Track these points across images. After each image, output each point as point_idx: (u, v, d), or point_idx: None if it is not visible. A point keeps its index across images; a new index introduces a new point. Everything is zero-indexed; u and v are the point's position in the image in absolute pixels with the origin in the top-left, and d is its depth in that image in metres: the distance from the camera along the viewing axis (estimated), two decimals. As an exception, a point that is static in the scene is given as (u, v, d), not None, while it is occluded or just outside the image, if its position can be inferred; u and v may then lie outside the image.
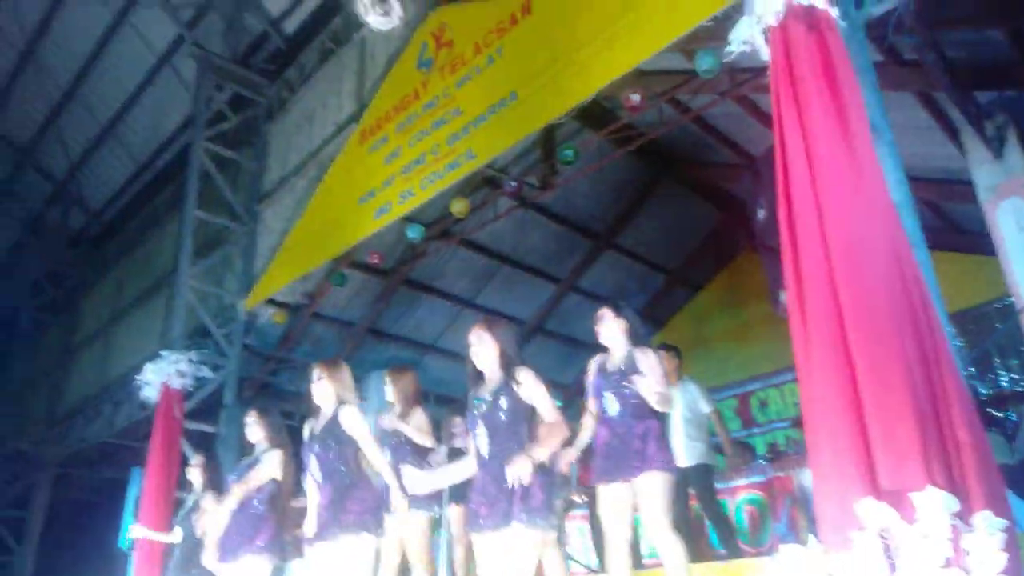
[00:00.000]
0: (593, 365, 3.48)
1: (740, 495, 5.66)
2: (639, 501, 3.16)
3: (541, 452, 2.77)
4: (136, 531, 6.11)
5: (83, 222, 12.86)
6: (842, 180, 2.57)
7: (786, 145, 2.76)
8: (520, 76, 5.29)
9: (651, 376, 3.22)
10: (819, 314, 2.50)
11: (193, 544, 4.81)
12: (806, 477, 5.43)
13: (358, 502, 3.51)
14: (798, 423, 7.64)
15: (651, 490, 3.11)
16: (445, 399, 9.90)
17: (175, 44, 9.38)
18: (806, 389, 2.55)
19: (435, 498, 4.44)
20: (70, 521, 12.98)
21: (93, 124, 11.12)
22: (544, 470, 2.84)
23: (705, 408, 5.15)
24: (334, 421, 3.59)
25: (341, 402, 3.63)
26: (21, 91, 11.05)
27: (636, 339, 3.42)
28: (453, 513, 5.34)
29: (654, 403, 3.19)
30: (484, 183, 7.62)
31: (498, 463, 2.83)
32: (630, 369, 3.28)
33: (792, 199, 2.69)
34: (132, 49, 9.84)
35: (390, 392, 4.47)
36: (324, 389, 3.65)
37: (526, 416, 2.89)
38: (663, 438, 3.26)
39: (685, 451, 4.83)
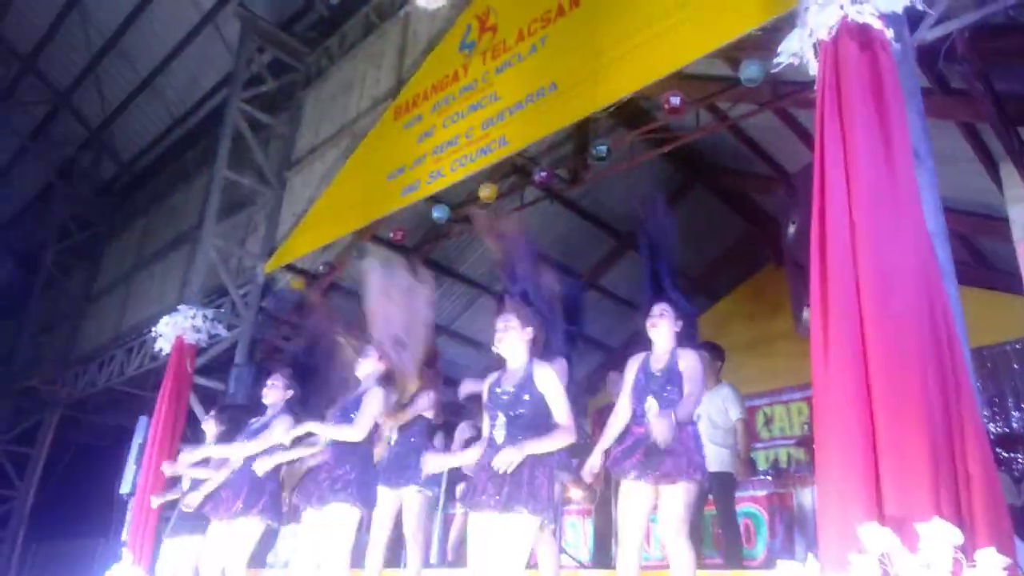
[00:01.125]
0: (634, 364, 3.36)
1: (739, 507, 5.66)
2: (663, 505, 3.10)
3: (535, 446, 2.80)
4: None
5: (113, 171, 12.99)
6: (880, 203, 2.55)
7: (826, 162, 2.74)
8: (561, 67, 5.28)
9: (691, 384, 3.16)
10: (842, 335, 2.49)
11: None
12: (806, 496, 5.42)
13: (352, 471, 3.56)
14: (802, 442, 7.62)
15: (679, 498, 3.05)
16: (457, 382, 9.95)
17: (220, 3, 9.41)
18: (820, 408, 2.54)
19: (435, 477, 4.47)
20: (73, 463, 13.19)
21: (132, 75, 11.21)
22: (547, 463, 2.87)
23: (735, 415, 5.06)
24: (362, 395, 3.69)
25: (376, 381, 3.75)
26: (65, 35, 11.14)
27: (683, 341, 3.34)
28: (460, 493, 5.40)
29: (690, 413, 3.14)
30: (513, 171, 7.60)
31: None
32: (674, 373, 3.21)
33: (826, 217, 2.67)
34: (177, 4, 9.89)
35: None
36: (366, 366, 3.79)
37: (547, 412, 2.91)
38: (699, 443, 3.18)
39: (710, 456, 4.78)
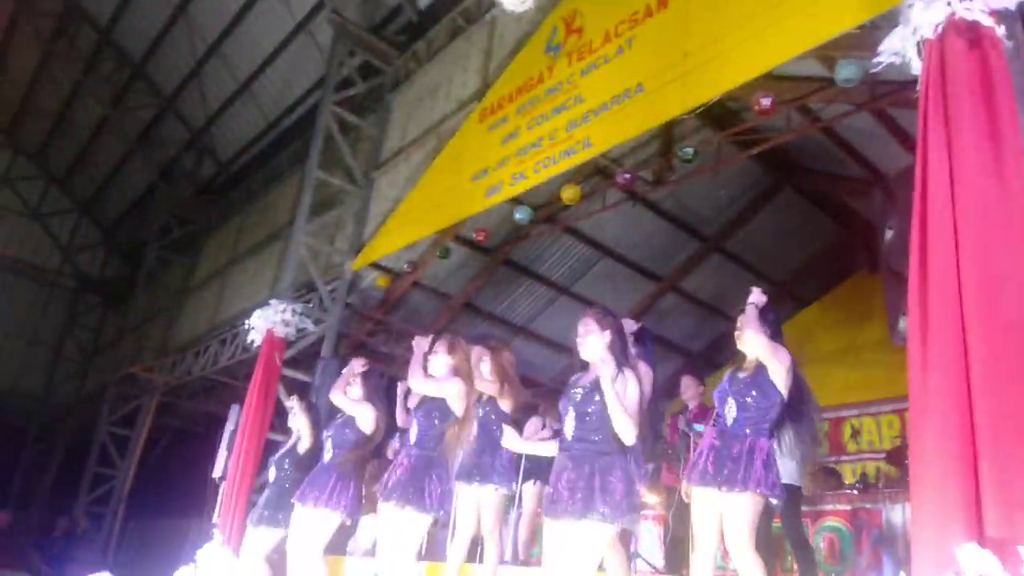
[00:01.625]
0: (726, 371, 3.38)
1: (822, 521, 5.47)
2: (726, 515, 3.06)
3: (620, 415, 2.80)
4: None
5: (212, 171, 13.66)
6: (987, 208, 2.43)
7: (928, 164, 2.63)
8: (648, 69, 5.23)
9: (777, 376, 3.14)
10: (943, 346, 2.38)
11: (285, 485, 5.07)
12: (896, 513, 5.19)
13: (435, 480, 3.65)
14: (892, 457, 7.29)
15: (742, 509, 3.00)
16: (530, 383, 10.01)
17: (314, 10, 9.77)
18: (917, 421, 2.44)
19: (512, 475, 4.51)
20: (169, 446, 13.96)
21: (231, 80, 11.77)
22: (625, 466, 2.86)
23: None
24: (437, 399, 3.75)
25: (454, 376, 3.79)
26: (171, 44, 11.82)
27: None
28: (528, 491, 5.43)
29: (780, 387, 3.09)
30: (596, 172, 7.59)
31: (579, 450, 2.91)
32: (758, 380, 3.18)
33: (928, 222, 2.56)
34: (274, 12, 10.33)
35: (487, 368, 4.56)
36: (441, 362, 3.81)
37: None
38: (771, 459, 3.11)
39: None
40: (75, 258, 17.05)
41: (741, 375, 3.25)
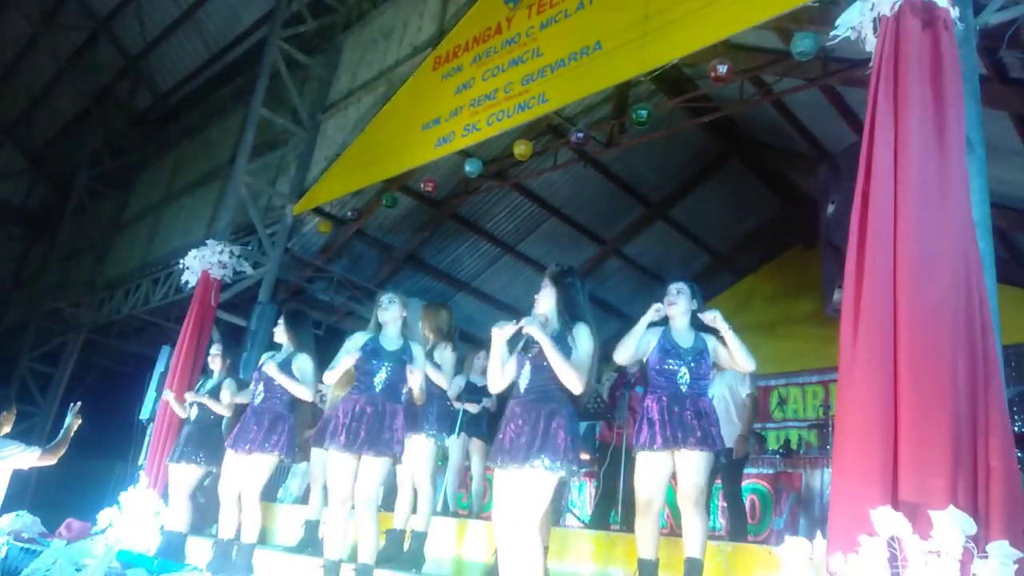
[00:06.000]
0: (655, 338, 3.48)
1: (745, 483, 5.69)
2: (681, 473, 3.21)
3: (556, 354, 2.86)
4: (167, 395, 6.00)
5: (149, 101, 13.01)
6: (927, 188, 2.49)
7: (875, 141, 2.67)
8: (608, 27, 5.17)
9: (735, 354, 3.29)
10: (874, 317, 2.46)
11: (204, 426, 4.99)
12: (815, 478, 5.44)
13: (394, 430, 3.66)
14: (815, 426, 7.61)
15: (697, 466, 3.17)
16: (471, 338, 10.01)
17: (266, -63, 9.32)
18: (844, 388, 2.53)
19: (445, 426, 4.53)
20: (94, 386, 13.50)
21: (173, 6, 11.15)
22: (571, 418, 2.90)
23: (744, 391, 5.11)
24: (404, 349, 3.78)
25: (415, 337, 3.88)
26: (108, -39, 11.12)
27: (696, 320, 3.46)
28: (457, 444, 5.53)
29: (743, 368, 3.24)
30: (548, 130, 7.54)
31: (530, 400, 2.95)
32: (700, 347, 3.35)
33: (870, 198, 2.62)
34: (222, -65, 9.81)
35: (424, 326, 4.54)
36: (395, 313, 3.86)
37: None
38: (716, 420, 3.30)
39: (727, 433, 4.80)
40: (-4, 185, 16.12)
41: (683, 345, 3.38)
